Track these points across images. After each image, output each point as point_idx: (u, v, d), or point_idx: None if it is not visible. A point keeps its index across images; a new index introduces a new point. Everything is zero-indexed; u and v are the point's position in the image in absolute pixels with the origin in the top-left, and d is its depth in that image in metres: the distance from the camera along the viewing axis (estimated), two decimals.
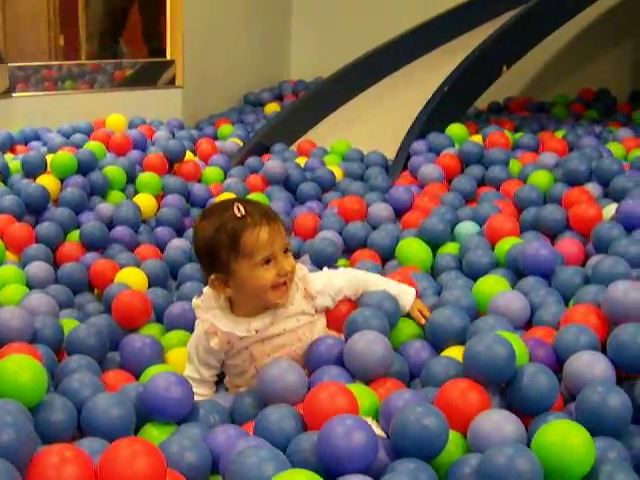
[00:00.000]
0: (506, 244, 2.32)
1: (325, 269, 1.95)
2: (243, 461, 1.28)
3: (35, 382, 1.49)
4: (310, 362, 1.78)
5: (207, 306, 1.81)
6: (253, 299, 1.76)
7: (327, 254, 2.44)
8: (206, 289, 1.83)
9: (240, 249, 1.70)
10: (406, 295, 1.92)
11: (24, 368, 1.49)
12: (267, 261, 1.71)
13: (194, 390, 1.74)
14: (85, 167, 3.07)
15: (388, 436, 1.47)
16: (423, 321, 1.89)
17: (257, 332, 1.76)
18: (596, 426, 1.42)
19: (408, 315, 1.93)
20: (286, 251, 1.75)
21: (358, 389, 1.61)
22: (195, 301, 1.84)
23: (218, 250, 1.71)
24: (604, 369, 1.61)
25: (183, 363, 1.90)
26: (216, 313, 1.79)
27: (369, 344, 1.71)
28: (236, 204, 1.72)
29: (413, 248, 2.44)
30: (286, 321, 1.79)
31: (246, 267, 1.71)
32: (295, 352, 1.80)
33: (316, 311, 1.84)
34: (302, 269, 1.82)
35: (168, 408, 1.58)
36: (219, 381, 1.90)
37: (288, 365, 1.67)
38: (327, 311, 1.88)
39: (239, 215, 1.70)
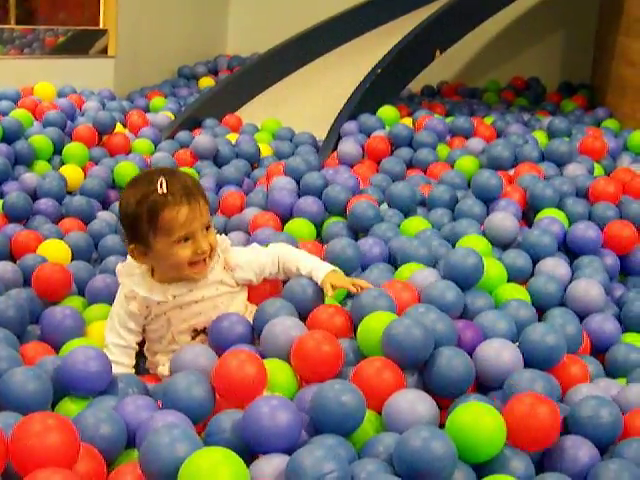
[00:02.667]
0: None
1: (254, 244, 1.97)
2: (156, 440, 1.29)
3: None
4: (214, 338, 1.79)
5: (128, 271, 1.85)
6: (171, 271, 1.80)
7: None
8: (129, 255, 1.86)
9: (158, 225, 1.71)
10: (317, 272, 1.88)
11: None
12: (185, 239, 1.74)
13: (114, 358, 1.78)
14: (11, 135, 3.02)
15: None
16: (330, 294, 1.84)
17: (174, 297, 1.80)
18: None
19: None
20: (207, 228, 1.77)
21: (274, 364, 1.64)
22: (118, 267, 1.89)
23: (138, 222, 1.73)
24: (512, 357, 1.66)
25: (103, 337, 1.90)
26: (136, 279, 1.83)
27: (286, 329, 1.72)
28: (160, 179, 1.72)
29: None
30: (204, 289, 1.82)
31: (163, 243, 1.73)
32: (209, 320, 1.82)
33: (237, 284, 1.87)
34: (225, 241, 1.86)
35: (86, 382, 1.58)
36: (138, 353, 1.91)
37: (201, 349, 1.69)
38: (251, 286, 1.91)
39: (161, 192, 1.71)
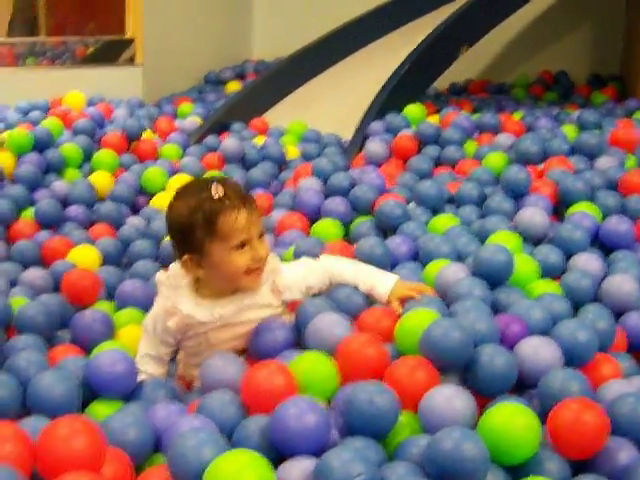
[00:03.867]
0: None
1: (304, 258, 1.91)
2: (183, 443, 1.28)
3: None
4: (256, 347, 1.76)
5: (171, 284, 1.76)
6: (224, 282, 1.72)
7: None
8: (173, 265, 1.78)
9: (216, 232, 1.65)
10: (380, 288, 1.82)
11: None
12: (242, 245, 1.67)
13: (149, 370, 1.76)
14: (41, 144, 3.06)
15: None
16: (399, 312, 1.75)
17: (220, 317, 1.72)
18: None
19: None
20: (261, 236, 1.72)
21: (315, 357, 1.61)
22: (159, 276, 1.79)
23: (193, 231, 1.66)
24: (551, 354, 1.62)
25: (133, 342, 1.89)
26: (180, 293, 1.74)
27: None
28: (214, 184, 1.67)
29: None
30: (251, 311, 1.75)
31: (221, 250, 1.67)
32: (249, 342, 1.76)
33: (283, 303, 1.80)
34: (274, 261, 1.78)
35: (112, 384, 1.58)
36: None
37: (230, 358, 1.65)
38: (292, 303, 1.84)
39: (216, 197, 1.66)
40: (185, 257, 1.70)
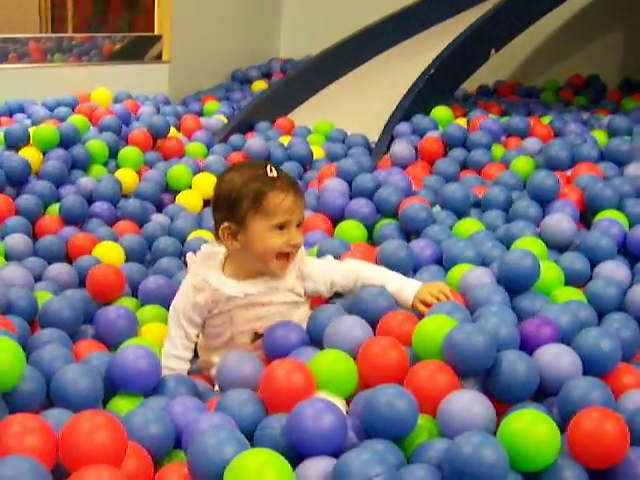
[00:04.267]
0: None
1: (329, 257, 1.95)
2: (203, 441, 1.29)
3: (13, 365, 1.46)
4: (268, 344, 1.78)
5: (203, 261, 1.84)
6: (254, 260, 1.78)
7: None
8: (204, 246, 1.88)
9: (262, 207, 1.73)
10: (406, 291, 1.85)
11: (2, 350, 1.46)
12: (281, 227, 1.74)
13: (176, 352, 1.82)
14: (67, 140, 3.07)
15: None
16: (425, 311, 1.79)
17: (246, 296, 1.79)
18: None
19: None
20: (299, 225, 1.79)
21: (335, 355, 1.62)
22: (190, 255, 1.86)
23: (241, 201, 1.74)
24: (572, 362, 1.61)
25: (156, 339, 1.92)
26: (209, 270, 1.81)
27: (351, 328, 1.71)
28: (270, 165, 1.77)
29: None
30: (276, 293, 1.81)
31: (260, 226, 1.74)
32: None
33: (305, 294, 1.86)
34: (300, 251, 1.84)
35: (136, 380, 1.60)
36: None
37: (246, 357, 1.69)
38: (315, 298, 1.90)
39: (271, 175, 1.74)
40: (225, 224, 1.76)
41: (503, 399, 1.55)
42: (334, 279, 1.87)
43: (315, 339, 1.79)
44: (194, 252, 1.88)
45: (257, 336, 1.83)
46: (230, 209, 1.76)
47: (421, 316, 1.80)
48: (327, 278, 1.87)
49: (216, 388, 1.78)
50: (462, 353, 1.55)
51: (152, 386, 1.62)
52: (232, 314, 1.81)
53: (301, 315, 1.86)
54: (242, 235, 1.76)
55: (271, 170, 1.75)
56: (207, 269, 1.82)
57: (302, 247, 1.86)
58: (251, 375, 1.64)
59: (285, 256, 1.78)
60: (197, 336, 1.87)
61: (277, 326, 1.78)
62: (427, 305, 1.80)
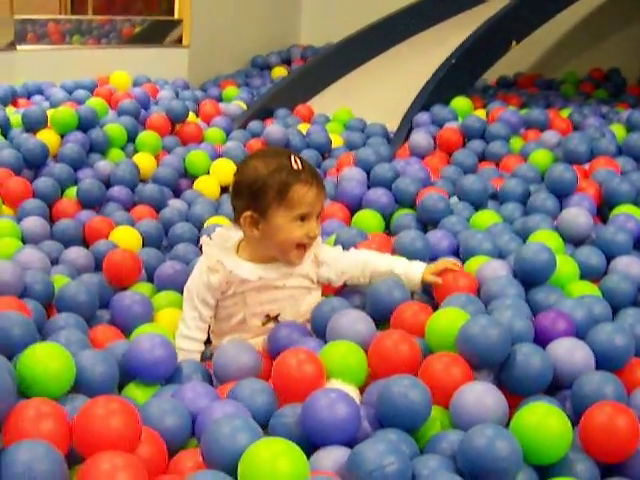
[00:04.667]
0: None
1: (339, 247, 1.96)
2: (218, 431, 1.30)
3: (62, 373, 1.47)
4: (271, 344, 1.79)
5: (218, 243, 1.86)
6: (273, 248, 1.81)
7: None
8: (219, 229, 1.89)
9: (286, 198, 1.75)
10: (414, 268, 1.89)
11: (53, 357, 1.47)
12: (302, 218, 1.77)
13: (190, 333, 1.84)
14: (86, 124, 3.07)
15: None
16: (439, 281, 1.85)
17: (260, 279, 1.81)
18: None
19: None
20: (318, 217, 1.81)
21: (346, 346, 1.63)
22: (204, 238, 1.88)
23: (266, 191, 1.75)
24: (585, 356, 1.61)
25: (172, 324, 1.92)
26: (224, 252, 1.83)
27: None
28: (293, 156, 1.78)
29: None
30: (290, 278, 1.84)
31: (283, 217, 1.76)
32: (285, 307, 1.84)
33: (317, 281, 1.89)
34: (318, 237, 1.87)
35: (151, 369, 1.60)
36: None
37: (244, 346, 1.71)
38: (326, 286, 1.92)
39: (296, 167, 1.76)
40: (247, 213, 1.78)
41: (516, 392, 1.55)
42: (344, 268, 1.89)
43: (318, 332, 1.79)
44: (209, 235, 1.89)
45: (269, 319, 1.85)
46: (253, 198, 1.77)
47: (435, 306, 1.81)
48: (338, 266, 1.88)
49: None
50: (477, 346, 1.56)
51: (168, 375, 1.63)
52: (245, 296, 1.83)
53: (313, 300, 1.87)
54: (264, 224, 1.77)
55: (296, 161, 1.76)
56: (221, 251, 1.83)
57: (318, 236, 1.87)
58: (249, 365, 1.65)
59: (303, 246, 1.81)
60: (210, 318, 1.88)
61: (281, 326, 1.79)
62: (438, 274, 1.85)
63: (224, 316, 1.87)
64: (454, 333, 1.61)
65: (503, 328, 1.58)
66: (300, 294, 1.86)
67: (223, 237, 1.87)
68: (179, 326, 1.88)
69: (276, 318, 1.85)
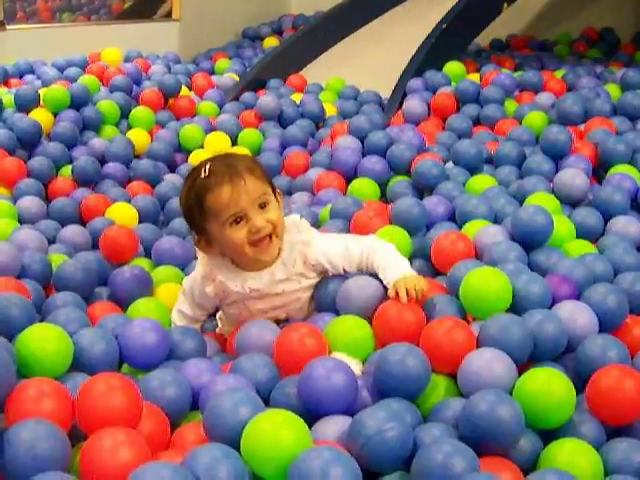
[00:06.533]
0: None
1: (348, 236, 1.88)
2: (220, 404, 1.30)
3: (58, 353, 1.47)
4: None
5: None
6: (237, 256, 1.71)
7: None
8: None
9: (206, 210, 1.65)
10: (390, 273, 1.68)
11: (52, 337, 1.48)
12: (236, 220, 1.64)
13: (177, 322, 1.82)
14: (78, 101, 3.06)
15: None
16: (393, 295, 1.63)
17: (251, 291, 1.73)
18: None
19: None
20: (264, 205, 1.66)
21: (351, 320, 1.62)
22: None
23: (192, 213, 1.69)
24: (587, 319, 1.60)
25: (170, 299, 1.92)
26: (218, 260, 1.74)
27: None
28: (206, 164, 1.66)
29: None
30: (286, 282, 1.74)
31: (216, 228, 1.66)
32: (293, 310, 1.78)
33: (318, 274, 1.79)
34: (307, 232, 1.76)
35: (142, 356, 1.59)
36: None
37: (267, 325, 1.66)
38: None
39: (203, 176, 1.65)
40: (197, 238, 1.72)
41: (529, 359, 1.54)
42: (337, 264, 1.76)
43: (324, 308, 1.76)
44: None
45: (278, 322, 1.77)
46: (190, 223, 1.72)
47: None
48: (331, 260, 1.76)
49: None
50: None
51: (160, 361, 1.60)
52: (247, 305, 1.77)
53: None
54: (213, 241, 1.69)
55: (204, 169, 1.65)
56: (217, 260, 1.74)
57: (310, 229, 1.77)
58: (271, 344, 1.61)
59: (261, 241, 1.67)
60: (205, 316, 1.87)
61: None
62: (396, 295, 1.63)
63: (232, 315, 1.82)
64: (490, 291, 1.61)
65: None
66: (304, 292, 1.78)
67: None
68: (173, 315, 1.86)
69: (287, 320, 1.78)
